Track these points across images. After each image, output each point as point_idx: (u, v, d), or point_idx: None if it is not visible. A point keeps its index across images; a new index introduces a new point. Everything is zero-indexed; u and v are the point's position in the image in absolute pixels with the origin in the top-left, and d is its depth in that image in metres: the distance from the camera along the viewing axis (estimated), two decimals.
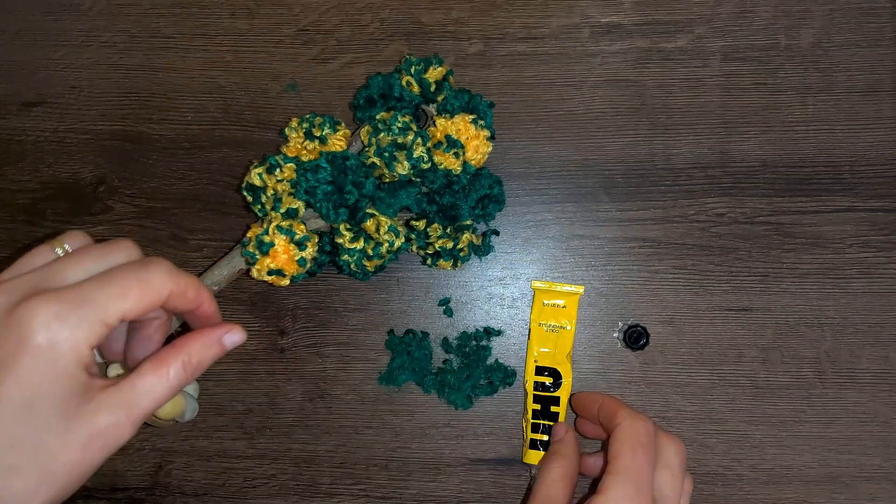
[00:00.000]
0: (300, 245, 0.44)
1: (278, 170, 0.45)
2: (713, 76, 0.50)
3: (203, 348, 0.35)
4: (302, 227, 0.45)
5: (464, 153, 0.46)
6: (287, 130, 0.47)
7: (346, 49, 0.52)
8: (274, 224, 0.44)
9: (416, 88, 0.47)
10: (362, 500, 0.49)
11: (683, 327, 0.49)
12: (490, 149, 0.47)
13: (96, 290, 0.32)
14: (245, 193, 0.46)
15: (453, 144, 0.46)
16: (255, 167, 0.45)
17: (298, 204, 0.45)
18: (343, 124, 0.48)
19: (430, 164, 0.46)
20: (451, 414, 0.49)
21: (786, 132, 0.50)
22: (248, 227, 0.46)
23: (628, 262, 0.49)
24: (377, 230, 0.45)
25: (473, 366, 0.49)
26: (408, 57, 0.48)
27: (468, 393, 0.49)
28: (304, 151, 0.47)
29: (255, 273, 0.45)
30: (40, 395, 0.31)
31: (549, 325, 0.49)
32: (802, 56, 0.50)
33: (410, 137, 0.45)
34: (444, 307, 0.50)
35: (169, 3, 0.53)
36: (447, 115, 0.47)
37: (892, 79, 0.50)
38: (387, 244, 0.45)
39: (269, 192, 0.45)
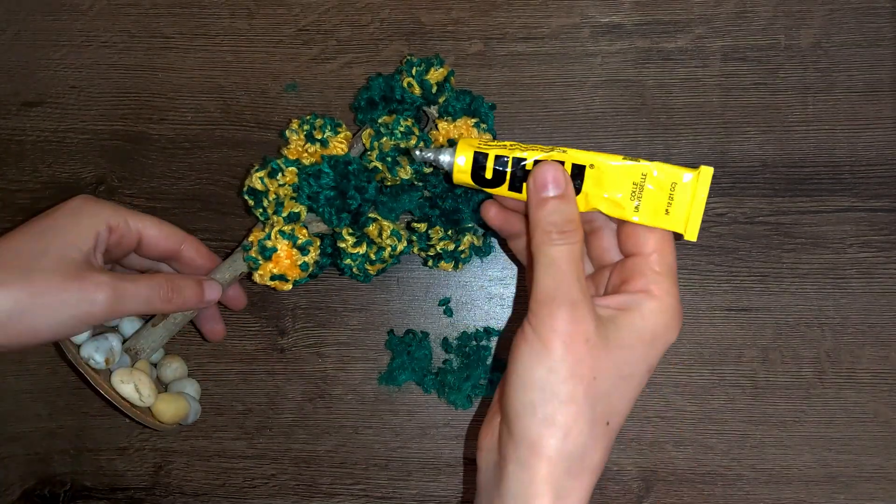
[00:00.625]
0: (303, 250, 0.44)
1: (280, 174, 0.45)
2: (713, 76, 0.50)
3: (184, 281, 0.43)
4: (304, 231, 0.45)
5: None
6: (287, 132, 0.47)
7: (346, 49, 0.52)
8: (276, 229, 0.44)
9: (417, 90, 0.47)
10: (362, 500, 0.49)
11: (683, 327, 0.49)
12: None
13: (132, 210, 0.43)
14: (246, 197, 0.45)
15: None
16: (256, 171, 0.45)
17: (300, 208, 0.45)
18: (344, 126, 0.47)
19: (432, 169, 0.46)
20: (451, 414, 0.49)
21: (786, 132, 0.50)
22: (250, 231, 0.46)
23: None
24: (380, 234, 0.45)
25: (473, 366, 0.49)
26: (409, 57, 0.48)
27: (468, 393, 0.49)
28: (305, 154, 0.46)
29: (257, 278, 0.44)
30: (56, 231, 0.39)
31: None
32: (802, 56, 0.50)
33: (413, 142, 0.45)
34: (444, 307, 0.50)
35: (169, 2, 0.53)
36: (449, 118, 0.46)
37: (891, 79, 0.50)
38: (389, 248, 0.45)
39: (271, 197, 0.45)
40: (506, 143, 0.38)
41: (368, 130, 0.46)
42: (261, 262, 0.44)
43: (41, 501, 0.50)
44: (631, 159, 0.36)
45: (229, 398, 0.50)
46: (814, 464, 0.48)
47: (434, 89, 0.47)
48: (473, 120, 0.46)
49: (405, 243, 0.45)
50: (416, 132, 0.45)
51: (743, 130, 0.50)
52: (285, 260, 0.44)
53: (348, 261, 0.45)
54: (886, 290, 0.48)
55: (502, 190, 0.38)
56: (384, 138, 0.45)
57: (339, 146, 0.47)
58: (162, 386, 0.47)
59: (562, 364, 0.32)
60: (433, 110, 0.48)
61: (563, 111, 0.51)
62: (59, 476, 0.50)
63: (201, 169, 0.51)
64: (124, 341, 0.45)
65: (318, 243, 0.45)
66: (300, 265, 0.44)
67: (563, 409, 0.32)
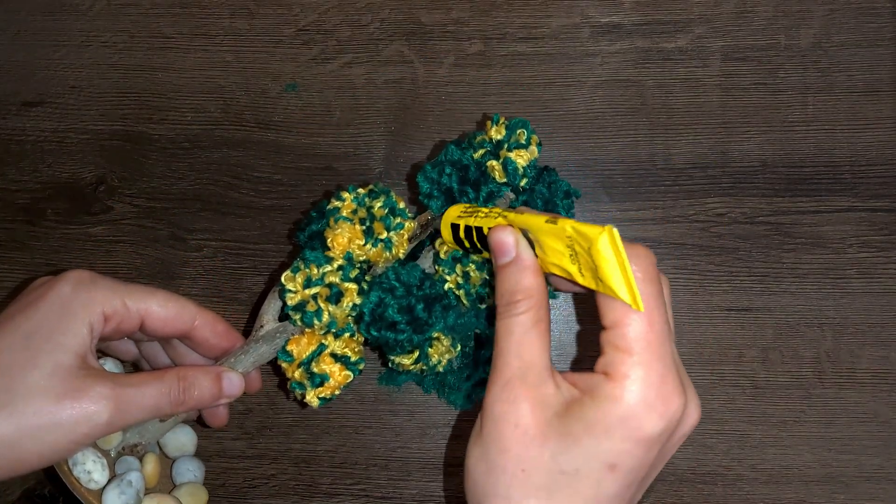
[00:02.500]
0: (354, 368, 0.39)
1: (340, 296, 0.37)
2: (713, 76, 0.50)
3: (202, 375, 0.37)
4: (356, 346, 0.39)
5: None
6: (337, 219, 0.38)
7: (346, 49, 0.52)
8: (328, 352, 0.38)
9: (500, 175, 0.38)
10: (362, 500, 0.49)
11: (683, 327, 0.49)
12: None
13: (131, 284, 0.36)
14: (291, 313, 0.38)
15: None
16: (307, 285, 0.37)
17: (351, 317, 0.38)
18: (410, 216, 0.40)
19: None
20: (451, 414, 0.49)
21: (786, 132, 0.50)
22: (270, 301, 0.40)
23: None
24: (437, 351, 0.40)
25: (473, 366, 0.49)
26: (494, 121, 0.39)
27: (468, 393, 0.48)
28: (356, 248, 0.38)
29: (301, 397, 0.39)
30: (43, 334, 0.33)
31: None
32: (802, 56, 0.50)
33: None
34: None
35: (169, 3, 0.53)
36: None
37: (891, 78, 0.50)
38: (444, 361, 0.41)
39: (325, 318, 0.38)
40: (483, 209, 0.36)
41: (448, 246, 0.39)
42: (308, 387, 0.38)
43: (41, 501, 0.50)
44: (550, 217, 0.30)
45: None
46: (814, 464, 0.48)
47: (520, 173, 0.38)
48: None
49: (458, 352, 0.41)
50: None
51: (743, 130, 0.50)
52: (336, 381, 0.38)
53: (397, 367, 0.41)
54: (886, 290, 0.48)
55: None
56: (473, 271, 0.38)
57: (402, 246, 0.39)
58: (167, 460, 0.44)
59: (487, 450, 0.29)
60: (510, 195, 0.40)
61: (564, 111, 0.51)
62: (59, 476, 0.50)
63: (201, 169, 0.51)
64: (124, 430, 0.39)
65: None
66: (349, 382, 0.39)
67: None
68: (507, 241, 0.30)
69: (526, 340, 0.29)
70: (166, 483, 0.43)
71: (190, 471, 0.43)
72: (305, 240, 0.40)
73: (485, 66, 0.51)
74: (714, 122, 0.50)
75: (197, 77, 0.52)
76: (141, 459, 0.40)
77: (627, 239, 0.50)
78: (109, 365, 0.40)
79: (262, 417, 0.50)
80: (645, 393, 0.27)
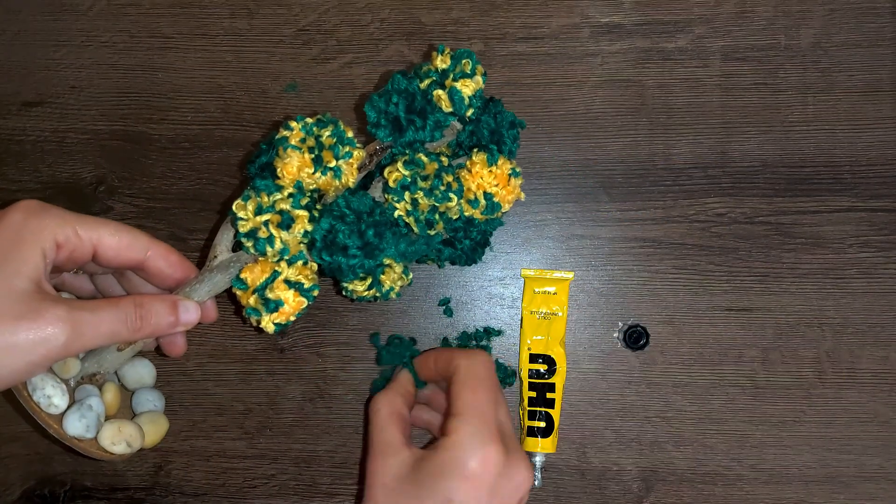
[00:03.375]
0: (309, 294, 0.39)
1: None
2: (713, 76, 0.50)
3: (158, 302, 0.38)
4: (311, 273, 0.39)
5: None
6: (286, 147, 0.39)
7: (346, 49, 0.52)
8: (282, 277, 0.38)
9: (446, 104, 0.40)
10: None
11: (683, 327, 0.49)
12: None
13: (82, 215, 0.37)
14: (244, 240, 0.39)
15: (491, 208, 0.41)
16: (258, 212, 0.38)
17: (304, 245, 0.39)
18: (358, 146, 0.40)
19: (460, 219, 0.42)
20: None
21: (786, 132, 0.50)
22: (221, 230, 0.41)
23: (628, 262, 0.49)
24: (389, 278, 0.42)
25: None
26: (439, 51, 0.40)
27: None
28: (306, 177, 0.39)
29: (253, 322, 0.40)
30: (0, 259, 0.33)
31: (541, 312, 0.49)
32: (802, 56, 0.50)
33: (453, 204, 0.40)
34: (444, 307, 0.50)
35: (169, 3, 0.53)
36: (479, 156, 0.41)
37: (891, 78, 0.50)
38: (397, 288, 0.42)
39: (277, 245, 0.38)
40: None
41: (396, 174, 0.40)
42: (263, 313, 0.39)
43: (41, 501, 0.50)
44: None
45: (229, 398, 0.50)
46: (814, 464, 0.48)
47: (466, 103, 0.40)
48: (510, 165, 0.41)
49: (410, 279, 0.43)
50: (455, 186, 0.40)
51: (743, 130, 0.50)
52: (291, 307, 0.39)
53: (351, 294, 0.42)
54: (886, 290, 0.48)
55: None
56: (421, 197, 0.39)
57: (351, 175, 0.39)
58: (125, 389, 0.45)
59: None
60: (457, 125, 0.42)
61: (564, 111, 0.51)
62: (59, 476, 0.50)
63: (201, 169, 0.51)
64: (82, 358, 0.40)
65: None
66: (303, 308, 0.40)
67: None
68: (403, 372, 0.46)
69: (387, 420, 0.40)
70: (126, 412, 0.44)
71: (150, 400, 0.44)
72: (256, 171, 0.40)
73: (485, 66, 0.51)
74: (714, 122, 0.50)
75: (197, 77, 0.52)
76: (100, 388, 0.41)
77: (627, 239, 0.51)
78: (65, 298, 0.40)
79: (262, 417, 0.50)
80: (467, 440, 0.37)
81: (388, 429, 0.40)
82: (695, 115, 0.50)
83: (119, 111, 0.52)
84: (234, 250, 0.41)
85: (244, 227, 0.39)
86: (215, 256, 0.41)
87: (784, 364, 0.48)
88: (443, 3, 0.52)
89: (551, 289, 0.49)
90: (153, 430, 0.43)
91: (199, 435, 0.50)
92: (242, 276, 0.39)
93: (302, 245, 0.40)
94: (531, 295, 0.49)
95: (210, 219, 0.51)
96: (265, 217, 0.38)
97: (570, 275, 0.49)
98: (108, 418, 0.41)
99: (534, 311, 0.49)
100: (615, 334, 0.49)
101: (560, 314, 0.49)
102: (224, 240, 0.41)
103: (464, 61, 0.40)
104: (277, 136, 0.40)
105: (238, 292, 0.40)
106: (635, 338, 0.48)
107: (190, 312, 0.39)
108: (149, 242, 0.39)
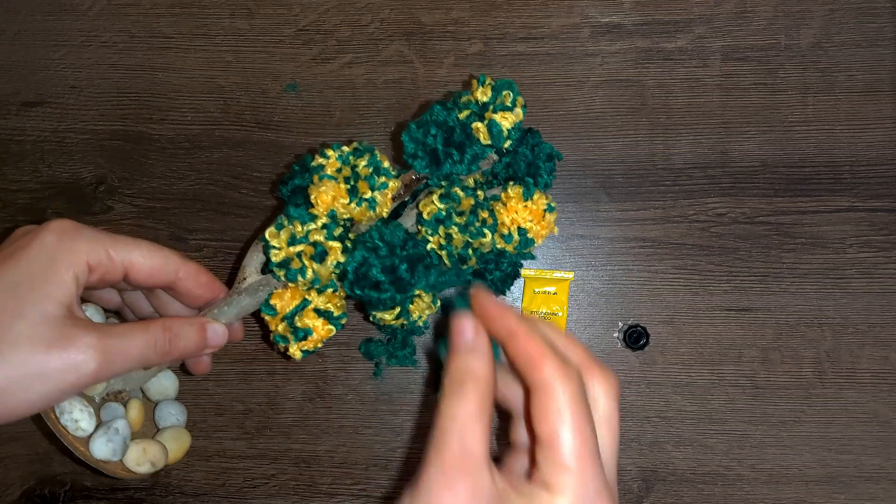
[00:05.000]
0: (337, 322, 0.39)
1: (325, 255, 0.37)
2: (713, 76, 0.50)
3: (187, 326, 0.37)
4: (339, 300, 0.39)
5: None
6: (322, 177, 0.38)
7: (346, 49, 0.52)
8: (311, 307, 0.38)
9: (485, 137, 0.39)
10: (362, 500, 0.49)
11: (683, 327, 0.49)
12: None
13: (115, 235, 0.36)
14: (275, 269, 0.38)
15: (525, 243, 0.41)
16: (292, 242, 0.37)
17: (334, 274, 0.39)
18: (394, 175, 0.40)
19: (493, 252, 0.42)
20: None
21: (786, 132, 0.50)
22: (251, 252, 0.41)
23: (628, 262, 0.49)
24: (418, 307, 0.41)
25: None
26: (480, 82, 0.40)
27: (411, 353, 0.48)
28: (340, 207, 0.38)
29: (284, 350, 0.40)
30: (29, 284, 0.33)
31: (541, 312, 0.49)
32: (802, 56, 0.50)
33: (487, 240, 0.39)
34: (444, 307, 0.50)
35: (169, 3, 0.53)
36: (513, 189, 0.40)
37: (891, 78, 0.50)
38: (425, 317, 0.42)
39: (309, 275, 0.38)
40: None
41: (431, 206, 0.39)
42: (291, 341, 0.39)
43: (41, 501, 0.50)
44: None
45: (229, 398, 0.50)
46: (814, 464, 0.48)
47: (505, 135, 0.39)
48: (545, 201, 0.41)
49: (438, 307, 0.42)
50: (490, 221, 0.39)
51: (743, 130, 0.50)
52: (319, 335, 0.39)
53: (378, 321, 0.41)
54: (886, 290, 0.48)
55: None
56: (455, 233, 0.38)
57: (385, 205, 0.39)
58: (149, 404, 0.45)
59: None
60: (494, 156, 0.41)
61: (564, 111, 0.51)
62: (59, 476, 0.50)
63: (201, 169, 0.51)
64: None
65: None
66: (331, 336, 0.39)
67: None
68: (467, 325, 0.31)
69: (469, 427, 0.29)
70: (150, 426, 0.44)
71: (172, 414, 0.44)
72: (288, 194, 0.40)
73: (485, 66, 0.51)
74: (714, 122, 0.50)
75: (197, 77, 0.52)
76: (125, 405, 0.41)
77: (627, 239, 0.51)
78: (91, 311, 0.40)
79: (262, 418, 0.50)
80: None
81: (474, 428, 0.29)
82: (695, 115, 0.50)
83: (119, 111, 0.52)
84: (262, 272, 0.41)
85: (276, 257, 0.38)
86: (244, 278, 0.41)
87: (784, 364, 0.48)
88: (443, 3, 0.52)
89: (551, 289, 0.49)
90: (176, 447, 0.43)
91: (199, 435, 0.50)
92: (272, 302, 0.39)
93: (333, 275, 0.39)
94: (531, 295, 0.49)
95: (210, 218, 0.51)
96: (298, 248, 0.38)
97: (570, 275, 0.49)
98: (132, 434, 0.41)
99: (534, 312, 0.49)
100: (615, 334, 0.49)
101: (560, 314, 0.49)
102: (253, 262, 0.41)
103: (504, 93, 0.39)
104: (313, 164, 0.39)
105: (267, 318, 0.39)
106: (635, 338, 0.49)
107: (218, 336, 0.39)
108: (180, 263, 0.38)
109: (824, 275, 0.49)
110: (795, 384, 0.48)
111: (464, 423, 0.29)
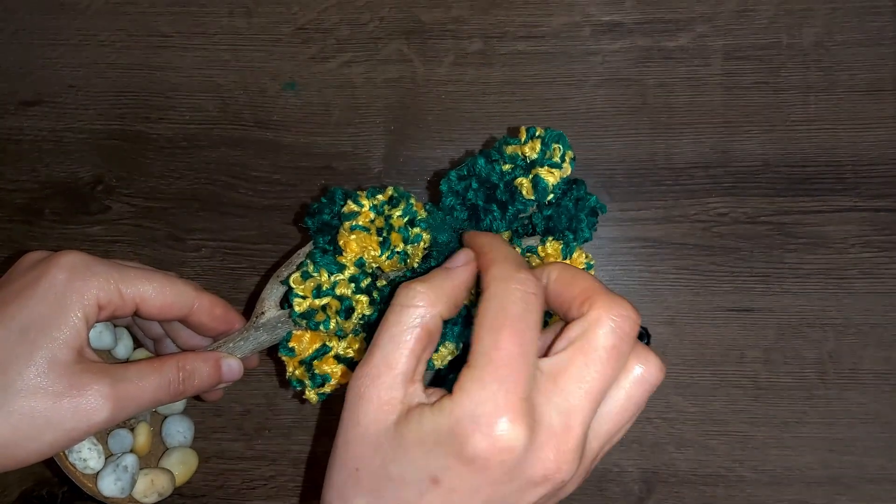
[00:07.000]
0: (354, 365, 0.37)
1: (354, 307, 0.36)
2: (715, 75, 0.50)
3: (202, 363, 0.37)
4: (360, 344, 0.38)
5: None
6: (353, 227, 0.36)
7: (345, 48, 0.51)
8: (332, 354, 0.37)
9: (528, 192, 0.36)
10: None
11: (685, 328, 0.49)
12: None
13: (126, 268, 0.35)
14: (298, 319, 0.36)
15: None
16: (317, 294, 0.35)
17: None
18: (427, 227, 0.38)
19: None
20: None
21: (788, 131, 0.50)
22: (270, 287, 0.39)
23: (629, 262, 0.49)
24: (441, 355, 0.40)
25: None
26: (530, 134, 0.37)
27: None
28: (370, 257, 0.36)
29: (301, 393, 0.39)
30: (38, 328, 0.32)
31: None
32: (804, 55, 0.50)
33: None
34: None
35: (167, 1, 0.52)
36: (552, 245, 0.38)
37: (894, 78, 0.49)
38: (446, 362, 0.40)
39: (332, 327, 0.36)
40: None
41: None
42: (308, 385, 0.38)
43: (39, 502, 0.50)
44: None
45: (228, 399, 0.50)
46: (816, 465, 0.47)
47: (549, 191, 0.36)
48: (584, 259, 0.38)
49: (459, 349, 0.40)
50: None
51: (745, 130, 0.50)
52: (337, 381, 0.38)
53: None
54: (889, 291, 0.48)
55: None
56: None
57: (417, 257, 0.37)
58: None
59: (337, 438, 0.30)
60: (532, 211, 0.39)
61: (564, 110, 0.50)
62: (57, 477, 0.50)
63: (200, 168, 0.51)
64: None
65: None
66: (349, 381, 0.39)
67: (324, 497, 0.30)
68: (465, 255, 0.31)
69: (397, 341, 0.28)
70: (157, 445, 0.44)
71: (180, 433, 0.44)
72: (315, 229, 0.38)
73: (485, 64, 0.51)
74: (716, 122, 0.50)
75: (195, 76, 0.52)
76: (133, 430, 0.41)
77: (627, 239, 0.50)
78: (100, 326, 0.39)
79: (261, 419, 0.49)
80: (473, 408, 0.26)
81: (402, 346, 0.28)
82: (696, 115, 0.50)
83: (117, 110, 0.52)
84: (281, 305, 0.40)
85: (300, 307, 0.36)
86: (262, 312, 0.39)
87: (786, 365, 0.48)
88: (442, 1, 0.51)
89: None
90: (183, 470, 0.43)
91: (198, 436, 0.49)
92: (291, 344, 0.37)
93: (357, 325, 0.38)
94: None
95: (208, 218, 0.51)
96: (324, 301, 0.36)
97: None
98: (141, 466, 0.41)
99: None
100: None
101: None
102: (272, 296, 0.39)
103: (554, 147, 0.36)
104: (345, 211, 0.36)
105: (285, 359, 0.38)
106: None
107: (234, 371, 0.38)
108: (194, 298, 0.37)
109: (826, 275, 0.48)
110: (797, 385, 0.48)
111: (392, 336, 0.29)
